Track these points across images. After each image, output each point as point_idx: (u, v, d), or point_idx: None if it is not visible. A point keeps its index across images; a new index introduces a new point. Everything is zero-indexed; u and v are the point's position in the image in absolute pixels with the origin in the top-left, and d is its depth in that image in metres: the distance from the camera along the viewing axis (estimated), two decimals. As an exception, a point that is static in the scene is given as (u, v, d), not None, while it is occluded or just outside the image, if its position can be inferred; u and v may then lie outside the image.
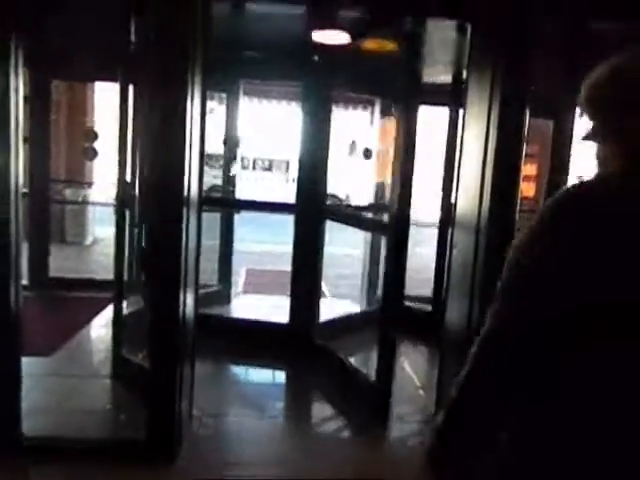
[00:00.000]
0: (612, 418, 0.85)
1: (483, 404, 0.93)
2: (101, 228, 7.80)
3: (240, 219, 5.12)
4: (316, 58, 3.86)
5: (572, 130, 5.41)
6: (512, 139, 2.55)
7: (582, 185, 0.96)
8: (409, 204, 2.95)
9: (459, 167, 2.93)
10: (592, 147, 1.12)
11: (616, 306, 0.84)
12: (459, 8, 2.87)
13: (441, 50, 3.74)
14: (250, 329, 4.13)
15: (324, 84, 3.90)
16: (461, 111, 3.02)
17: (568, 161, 5.47)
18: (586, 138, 1.04)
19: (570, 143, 5.42)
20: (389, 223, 3.14)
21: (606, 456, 0.85)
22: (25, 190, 5.14)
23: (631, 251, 0.84)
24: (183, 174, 2.42)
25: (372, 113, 5.10)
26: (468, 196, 2.77)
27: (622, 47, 0.98)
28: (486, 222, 2.58)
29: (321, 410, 3.28)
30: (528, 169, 7.81)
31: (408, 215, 2.97)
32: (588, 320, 0.86)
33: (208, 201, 3.91)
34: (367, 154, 4.91)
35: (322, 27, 3.48)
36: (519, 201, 2.76)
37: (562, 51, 5.18)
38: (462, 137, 2.91)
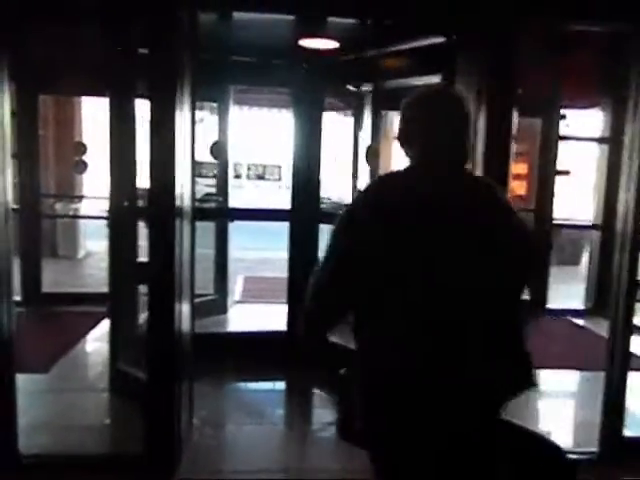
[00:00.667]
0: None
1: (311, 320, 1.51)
2: (93, 242, 7.76)
3: (235, 226, 5.12)
4: (305, 65, 3.88)
5: (559, 127, 5.47)
6: (500, 139, 2.58)
7: (367, 188, 1.48)
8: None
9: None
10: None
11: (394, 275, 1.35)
12: (446, 22, 2.89)
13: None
14: (248, 338, 4.12)
15: (315, 89, 3.91)
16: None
17: (556, 157, 5.52)
18: (398, 139, 1.51)
19: (557, 140, 5.47)
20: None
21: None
22: (15, 206, 5.15)
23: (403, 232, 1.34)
24: (174, 185, 2.41)
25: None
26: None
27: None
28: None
29: (323, 415, 3.26)
30: (519, 168, 7.85)
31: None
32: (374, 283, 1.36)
33: (201, 212, 3.86)
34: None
35: (313, 35, 3.50)
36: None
37: (547, 51, 5.24)
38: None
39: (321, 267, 1.43)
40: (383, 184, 1.49)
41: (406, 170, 1.48)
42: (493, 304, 1.40)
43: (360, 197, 1.47)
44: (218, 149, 4.89)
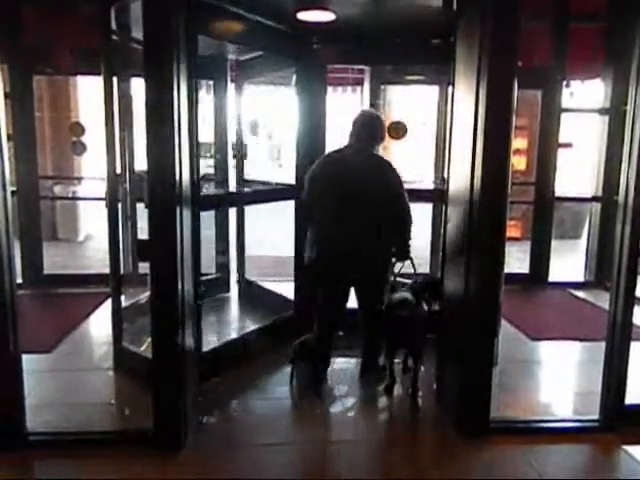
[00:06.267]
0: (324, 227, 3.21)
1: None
2: (94, 223, 7.73)
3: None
4: (313, 39, 3.81)
5: (561, 99, 5.39)
6: (501, 113, 2.54)
7: (326, 154, 3.38)
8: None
9: (450, 142, 2.92)
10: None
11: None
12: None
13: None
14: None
15: (318, 64, 3.86)
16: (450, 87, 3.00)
17: (558, 130, 5.45)
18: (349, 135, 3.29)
19: (560, 112, 5.40)
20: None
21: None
22: (13, 188, 5.12)
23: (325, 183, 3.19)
24: (174, 165, 2.39)
25: (362, 93, 5.09)
26: (460, 171, 2.77)
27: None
28: (478, 197, 2.57)
29: (329, 389, 3.27)
30: (518, 143, 7.77)
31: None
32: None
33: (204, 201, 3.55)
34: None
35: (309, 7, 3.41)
36: (510, 175, 2.75)
37: (549, 21, 5.15)
38: (452, 112, 2.90)
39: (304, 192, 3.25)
40: (327, 155, 3.28)
41: (343, 148, 3.20)
42: (372, 218, 3.04)
43: (316, 162, 3.23)
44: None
